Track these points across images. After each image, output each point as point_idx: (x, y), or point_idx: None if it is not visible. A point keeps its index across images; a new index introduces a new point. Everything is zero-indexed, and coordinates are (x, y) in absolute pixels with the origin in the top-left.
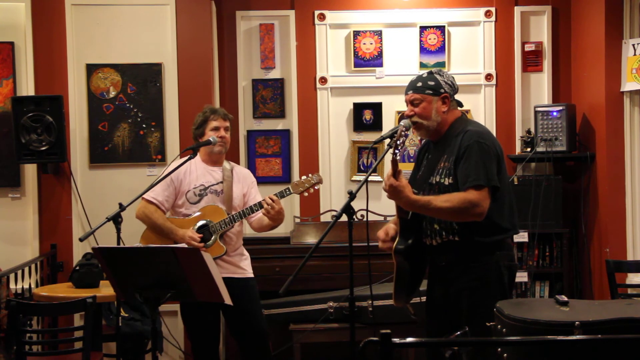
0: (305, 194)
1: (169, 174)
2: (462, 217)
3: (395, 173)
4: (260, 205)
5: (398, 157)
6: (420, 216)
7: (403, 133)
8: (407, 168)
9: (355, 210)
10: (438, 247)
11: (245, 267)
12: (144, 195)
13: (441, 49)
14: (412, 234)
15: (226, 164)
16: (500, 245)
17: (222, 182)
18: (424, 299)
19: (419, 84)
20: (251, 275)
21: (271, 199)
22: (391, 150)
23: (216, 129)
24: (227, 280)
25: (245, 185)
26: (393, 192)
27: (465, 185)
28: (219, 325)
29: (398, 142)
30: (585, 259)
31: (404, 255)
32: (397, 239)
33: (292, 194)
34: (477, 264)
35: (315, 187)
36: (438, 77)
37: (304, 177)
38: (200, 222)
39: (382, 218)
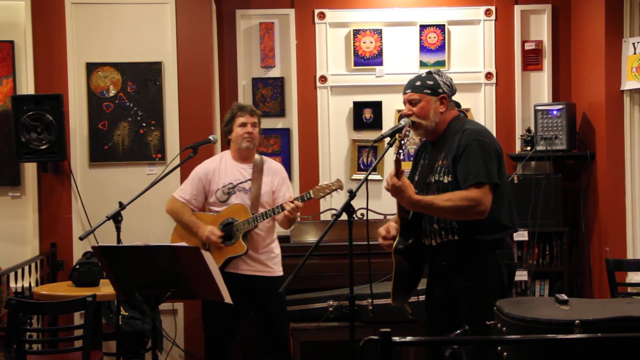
0: (324, 199)
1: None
2: (465, 216)
3: (398, 173)
4: (282, 207)
5: (401, 157)
6: (420, 216)
7: (407, 132)
8: (407, 167)
9: (355, 209)
10: (438, 247)
11: (273, 266)
12: (173, 194)
13: (441, 48)
14: (412, 234)
15: (257, 159)
16: (499, 244)
17: (250, 180)
18: (422, 298)
19: (418, 84)
20: (279, 273)
21: (294, 203)
22: (394, 150)
23: (243, 125)
24: (253, 279)
25: (275, 182)
26: (396, 192)
27: (467, 184)
28: (235, 328)
29: (402, 142)
30: (585, 257)
31: (403, 254)
32: (397, 238)
33: (312, 198)
34: (476, 263)
35: (335, 193)
36: (437, 77)
37: (325, 183)
38: (226, 220)
39: (382, 217)
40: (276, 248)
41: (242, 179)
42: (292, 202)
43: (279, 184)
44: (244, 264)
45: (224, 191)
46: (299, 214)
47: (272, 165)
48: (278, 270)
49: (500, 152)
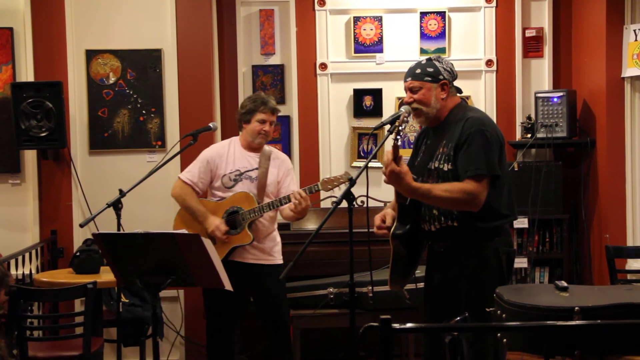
0: (332, 191)
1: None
2: (459, 207)
3: (396, 159)
4: (288, 199)
5: (399, 143)
6: (419, 202)
7: (405, 119)
8: (407, 154)
9: (356, 196)
10: (437, 233)
11: (274, 254)
12: (179, 175)
13: (442, 35)
14: (410, 220)
15: (265, 149)
16: (498, 231)
17: (257, 169)
18: (420, 285)
19: (418, 71)
20: (280, 262)
21: (300, 194)
22: (392, 136)
23: (262, 122)
24: (254, 267)
25: (280, 172)
26: (394, 178)
27: (466, 174)
28: (237, 316)
29: (400, 128)
30: (585, 244)
31: (401, 240)
32: (394, 223)
33: (320, 190)
34: (475, 249)
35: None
36: (437, 63)
37: (334, 175)
38: (231, 208)
39: (382, 204)
40: (277, 236)
41: (249, 167)
42: (299, 193)
43: (284, 175)
44: (247, 253)
45: (231, 177)
46: (309, 207)
47: (279, 156)
48: (279, 259)
49: (502, 141)
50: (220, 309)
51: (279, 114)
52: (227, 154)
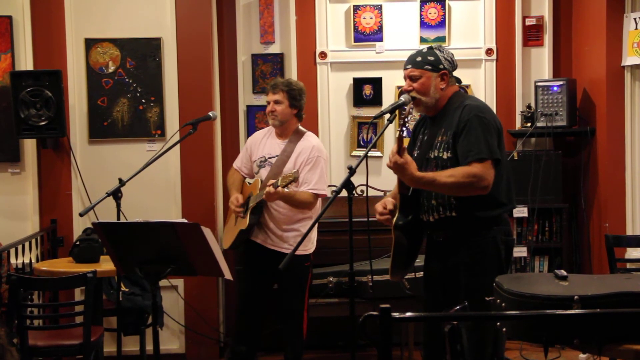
0: (286, 189)
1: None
2: (468, 191)
3: (400, 150)
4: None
5: (404, 134)
6: (419, 192)
7: (410, 110)
8: (407, 143)
9: (355, 185)
10: (435, 223)
11: (292, 244)
12: None
13: (441, 24)
14: (412, 210)
15: (294, 136)
16: (497, 220)
17: (278, 155)
18: (419, 274)
19: (418, 59)
20: (302, 252)
21: (269, 186)
22: (395, 126)
23: (268, 103)
24: (271, 252)
25: (299, 161)
26: (398, 169)
27: (468, 159)
28: (264, 300)
29: (406, 120)
30: (585, 233)
31: (402, 230)
32: (396, 214)
33: (280, 186)
34: (474, 239)
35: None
36: (438, 52)
37: (286, 174)
38: (250, 193)
39: (381, 193)
40: (303, 227)
41: (273, 154)
42: (270, 185)
43: (303, 163)
44: (268, 238)
45: (257, 164)
46: (281, 196)
47: (306, 144)
48: (300, 249)
49: (500, 129)
50: (245, 291)
51: None
52: (261, 141)
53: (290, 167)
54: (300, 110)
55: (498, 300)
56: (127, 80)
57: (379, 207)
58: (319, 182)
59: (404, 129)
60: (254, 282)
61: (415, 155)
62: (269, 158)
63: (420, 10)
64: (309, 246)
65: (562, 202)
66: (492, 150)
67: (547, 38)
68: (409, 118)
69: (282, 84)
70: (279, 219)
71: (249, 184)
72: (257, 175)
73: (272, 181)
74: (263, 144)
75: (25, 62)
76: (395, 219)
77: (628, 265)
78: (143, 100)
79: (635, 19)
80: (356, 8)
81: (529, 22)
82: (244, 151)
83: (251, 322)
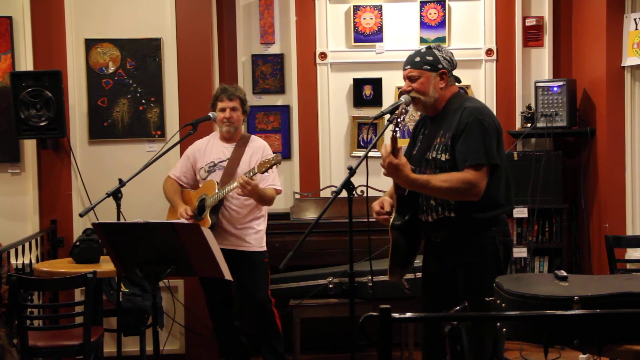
0: (267, 173)
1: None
2: (460, 197)
3: (395, 150)
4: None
5: (398, 134)
6: (416, 192)
7: (404, 110)
8: (406, 144)
9: (355, 186)
10: (434, 224)
11: (251, 241)
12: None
13: (441, 24)
14: (409, 210)
15: (242, 138)
16: (496, 221)
17: (229, 159)
18: (418, 275)
19: (417, 59)
20: (258, 249)
21: (242, 178)
22: (391, 127)
23: (222, 110)
24: (227, 252)
25: (253, 160)
26: (392, 170)
27: (465, 164)
28: (229, 298)
29: (399, 120)
30: (585, 234)
31: (400, 230)
32: (393, 214)
33: (257, 173)
34: (472, 240)
35: (275, 167)
36: (437, 52)
37: (267, 158)
38: (201, 196)
39: (381, 194)
40: (259, 225)
41: (223, 158)
42: (242, 177)
43: (257, 162)
44: (224, 239)
45: (205, 169)
46: (257, 190)
47: (255, 144)
48: (257, 246)
49: (500, 131)
50: (210, 291)
51: (278, 103)
52: (205, 147)
53: (245, 168)
54: (247, 115)
55: (498, 301)
56: (127, 80)
57: (375, 206)
58: (276, 179)
59: (397, 129)
60: (215, 285)
61: (414, 154)
62: (219, 162)
63: (420, 11)
64: (264, 243)
65: (562, 203)
66: (490, 155)
67: (547, 38)
68: (401, 118)
69: (237, 91)
70: (235, 218)
71: (196, 189)
72: (205, 181)
73: (246, 172)
74: (209, 150)
75: (25, 62)
76: (392, 219)
77: (628, 266)
78: (143, 101)
79: (635, 19)
80: (356, 8)
81: (529, 22)
82: (183, 160)
83: (226, 323)
